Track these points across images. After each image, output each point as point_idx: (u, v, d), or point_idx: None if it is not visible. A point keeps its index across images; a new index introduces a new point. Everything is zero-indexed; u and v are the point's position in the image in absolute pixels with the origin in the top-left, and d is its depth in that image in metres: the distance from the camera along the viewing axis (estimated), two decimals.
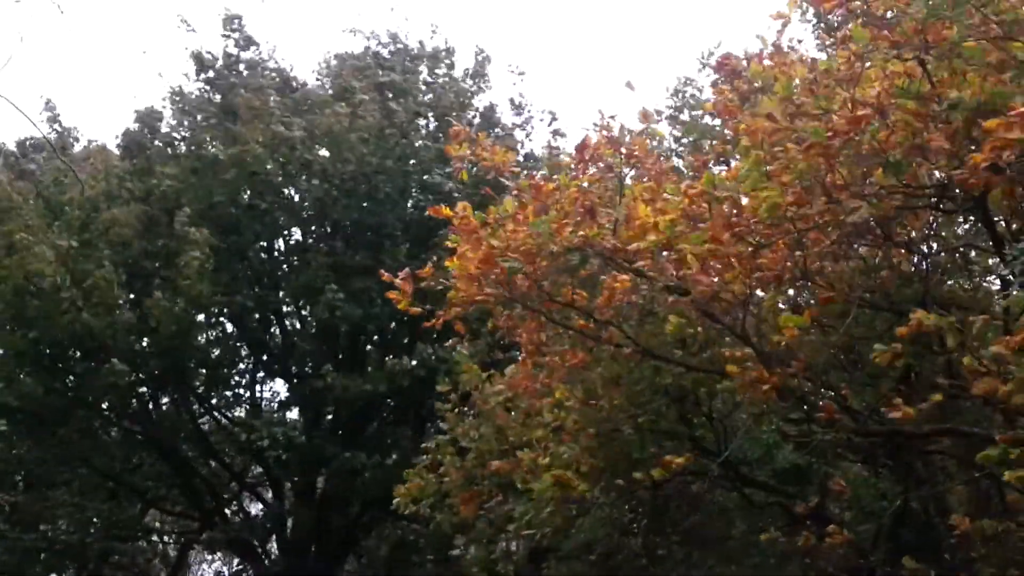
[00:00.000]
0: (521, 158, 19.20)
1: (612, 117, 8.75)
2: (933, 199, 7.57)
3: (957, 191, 7.20)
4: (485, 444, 10.51)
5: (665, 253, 7.59)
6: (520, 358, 9.67)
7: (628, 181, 8.57)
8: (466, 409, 11.26)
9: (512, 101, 23.13)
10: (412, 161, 20.74)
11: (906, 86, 6.48)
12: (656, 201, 7.61)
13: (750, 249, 7.20)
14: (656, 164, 8.74)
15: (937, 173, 7.18)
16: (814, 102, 6.65)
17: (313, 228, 21.64)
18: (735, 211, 7.22)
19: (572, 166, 8.86)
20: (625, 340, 8.39)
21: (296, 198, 20.99)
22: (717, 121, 13.19)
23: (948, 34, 6.32)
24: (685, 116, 16.43)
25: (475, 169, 9.20)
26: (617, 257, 7.76)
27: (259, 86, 20.94)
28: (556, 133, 22.43)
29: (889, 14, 6.75)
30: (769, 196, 6.84)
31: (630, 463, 9.16)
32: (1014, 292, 6.84)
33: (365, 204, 20.23)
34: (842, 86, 6.63)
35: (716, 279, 7.59)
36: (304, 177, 20.26)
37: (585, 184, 8.41)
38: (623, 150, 8.43)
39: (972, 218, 7.99)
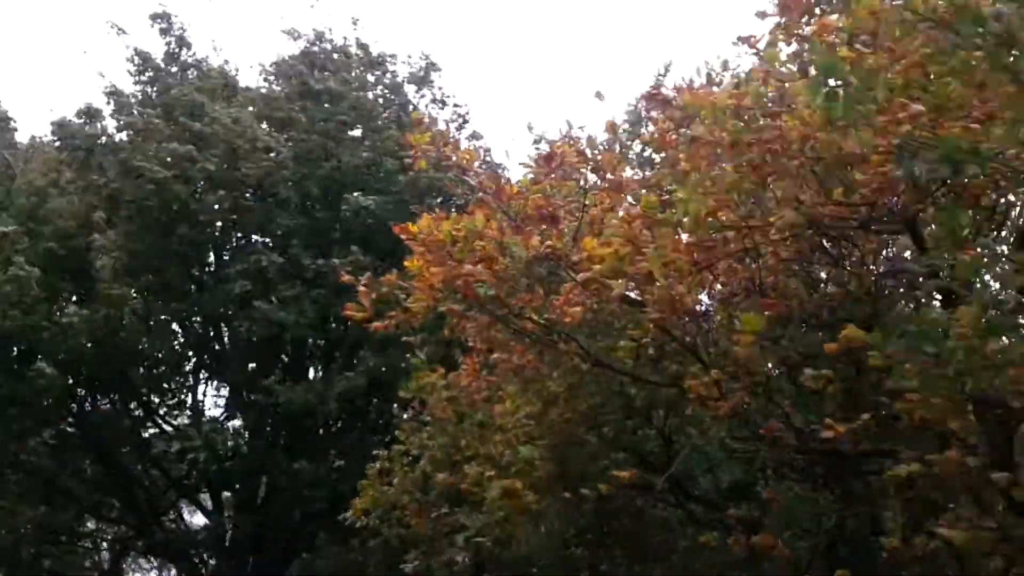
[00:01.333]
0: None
1: (581, 127, 8.84)
2: (859, 219, 7.72)
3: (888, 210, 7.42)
4: (440, 452, 10.43)
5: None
6: (469, 356, 9.60)
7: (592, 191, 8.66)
8: (422, 416, 11.14)
9: (434, 98, 23.20)
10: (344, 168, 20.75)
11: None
12: (615, 209, 7.69)
13: (697, 269, 7.32)
14: (619, 174, 8.81)
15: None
16: (737, 126, 6.79)
17: (240, 237, 21.51)
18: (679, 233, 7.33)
19: (536, 173, 8.89)
20: (579, 351, 8.46)
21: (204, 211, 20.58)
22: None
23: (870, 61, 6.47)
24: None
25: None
26: (578, 269, 7.83)
27: (200, 87, 20.82)
28: (473, 137, 22.53)
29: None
30: (693, 206, 6.97)
31: (581, 475, 9.24)
32: None
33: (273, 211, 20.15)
34: (768, 115, 6.80)
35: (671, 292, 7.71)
36: (210, 189, 19.90)
37: (548, 189, 8.51)
38: (589, 160, 8.51)
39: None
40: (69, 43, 56.25)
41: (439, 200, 18.89)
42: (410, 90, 22.95)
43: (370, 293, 8.68)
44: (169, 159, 19.28)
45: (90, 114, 21.37)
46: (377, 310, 8.80)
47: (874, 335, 6.72)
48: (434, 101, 22.93)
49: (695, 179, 7.13)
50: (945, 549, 8.56)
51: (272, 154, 19.98)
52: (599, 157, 8.61)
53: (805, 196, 7.18)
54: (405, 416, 11.65)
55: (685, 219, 7.21)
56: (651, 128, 9.42)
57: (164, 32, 21.90)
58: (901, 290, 9.32)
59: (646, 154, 15.28)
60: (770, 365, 8.97)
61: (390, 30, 61.78)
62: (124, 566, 27.66)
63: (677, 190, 7.42)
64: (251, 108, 20.97)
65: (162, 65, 21.84)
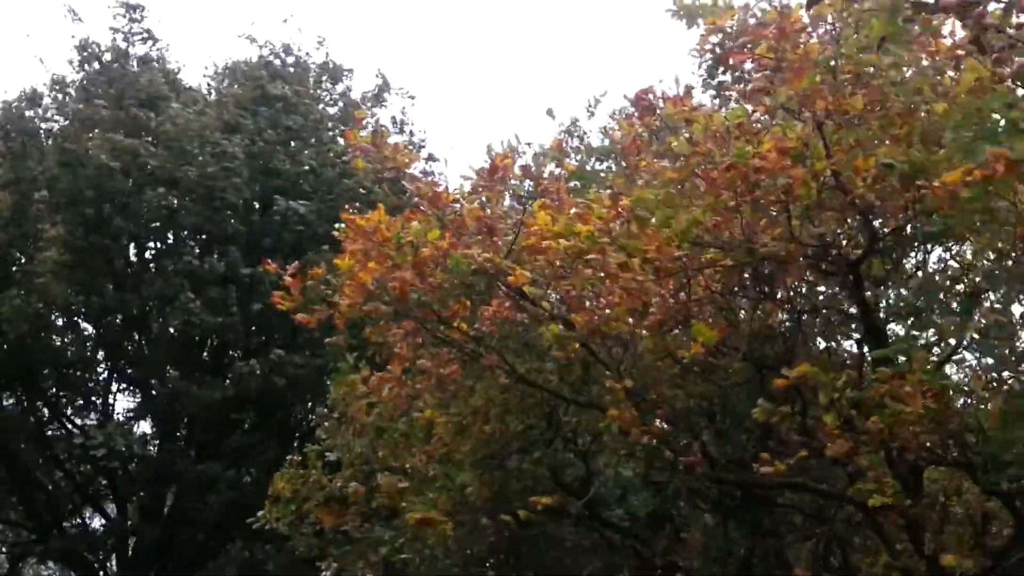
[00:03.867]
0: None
1: (528, 144, 8.80)
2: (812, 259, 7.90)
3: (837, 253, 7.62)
4: (357, 460, 10.18)
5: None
6: (393, 362, 9.45)
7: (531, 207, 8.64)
8: (344, 421, 10.83)
9: (394, 119, 23.18)
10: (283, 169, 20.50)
11: (800, 150, 6.80)
12: (558, 220, 7.68)
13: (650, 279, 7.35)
14: (562, 194, 8.80)
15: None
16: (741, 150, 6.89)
17: (168, 235, 20.97)
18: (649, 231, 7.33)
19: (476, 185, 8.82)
20: (503, 365, 8.42)
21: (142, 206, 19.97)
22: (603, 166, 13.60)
23: (850, 104, 6.66)
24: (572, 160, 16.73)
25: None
26: (506, 278, 7.80)
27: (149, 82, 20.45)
28: (430, 158, 22.54)
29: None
30: (691, 213, 6.99)
31: (500, 493, 9.19)
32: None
33: (215, 213, 19.74)
34: (748, 141, 6.92)
35: (601, 313, 7.75)
36: (149, 185, 19.30)
37: (483, 200, 8.48)
38: (532, 178, 8.50)
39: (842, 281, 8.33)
40: (12, 25, 54.89)
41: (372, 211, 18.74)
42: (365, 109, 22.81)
43: (295, 283, 8.60)
44: (113, 150, 18.78)
45: (33, 100, 20.81)
46: (303, 306, 8.72)
47: (829, 376, 6.90)
48: (393, 123, 22.91)
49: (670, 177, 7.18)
50: None
51: (223, 157, 19.57)
52: (543, 176, 8.61)
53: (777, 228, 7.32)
54: (326, 421, 11.27)
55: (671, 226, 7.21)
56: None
57: (133, 21, 21.43)
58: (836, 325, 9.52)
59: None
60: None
61: (351, 49, 61.76)
62: (24, 568, 26.81)
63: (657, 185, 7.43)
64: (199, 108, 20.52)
65: (109, 57, 21.36)
